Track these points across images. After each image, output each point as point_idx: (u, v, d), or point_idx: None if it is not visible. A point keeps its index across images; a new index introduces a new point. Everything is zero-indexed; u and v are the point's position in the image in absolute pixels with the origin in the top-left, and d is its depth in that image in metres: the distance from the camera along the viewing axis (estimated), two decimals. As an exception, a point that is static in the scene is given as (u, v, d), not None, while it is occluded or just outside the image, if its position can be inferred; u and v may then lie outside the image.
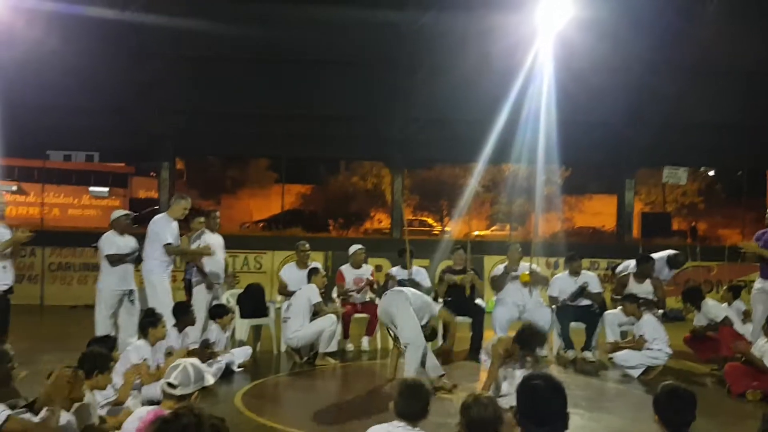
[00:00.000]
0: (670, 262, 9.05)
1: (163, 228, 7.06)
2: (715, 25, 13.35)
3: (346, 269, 8.74)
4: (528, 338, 5.37)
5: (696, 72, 14.60)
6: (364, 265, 8.80)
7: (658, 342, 7.19)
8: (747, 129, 15.81)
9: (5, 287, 6.49)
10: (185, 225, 7.90)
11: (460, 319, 8.37)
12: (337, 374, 7.35)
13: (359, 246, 8.89)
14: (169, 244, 7.05)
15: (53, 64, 13.40)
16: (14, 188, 29.13)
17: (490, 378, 5.49)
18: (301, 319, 7.43)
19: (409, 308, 6.26)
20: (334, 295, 8.65)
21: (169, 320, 6.15)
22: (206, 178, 32.73)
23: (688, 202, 31.48)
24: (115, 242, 7.21)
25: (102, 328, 6.94)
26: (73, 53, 13.37)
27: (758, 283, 7.33)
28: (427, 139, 16.21)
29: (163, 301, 6.79)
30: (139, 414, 3.27)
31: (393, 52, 14.23)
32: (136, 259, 7.34)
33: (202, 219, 8.06)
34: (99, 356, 4.08)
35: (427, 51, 14.17)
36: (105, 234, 7.38)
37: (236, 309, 7.90)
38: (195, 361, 3.53)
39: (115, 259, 7.15)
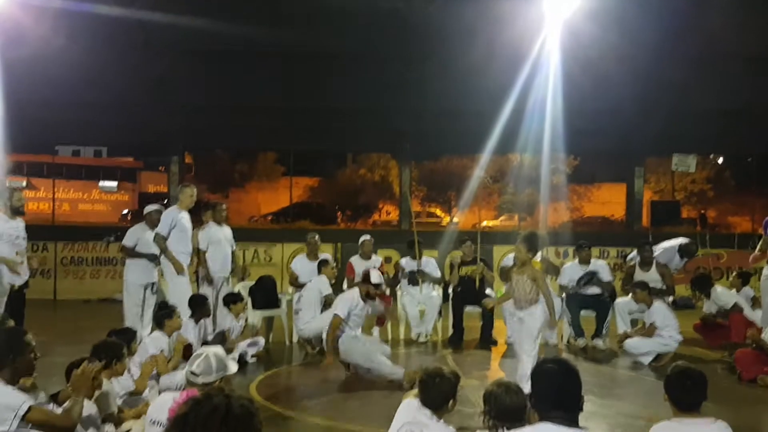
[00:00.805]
0: (682, 251, 9.02)
1: (166, 217, 7.13)
2: (723, 12, 13.24)
3: (355, 261, 8.79)
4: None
5: (704, 59, 14.48)
6: (373, 256, 8.85)
7: (668, 329, 7.22)
8: (756, 115, 15.70)
9: (21, 282, 6.57)
10: (197, 219, 7.95)
11: (469, 309, 8.44)
12: (348, 364, 7.39)
13: (368, 236, 8.95)
14: (158, 234, 7.06)
15: (61, 61, 13.44)
16: (24, 184, 29.33)
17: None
18: (312, 310, 7.50)
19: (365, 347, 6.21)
20: (345, 286, 8.70)
21: (186, 312, 6.24)
22: (215, 172, 32.85)
23: (698, 190, 31.34)
24: (137, 235, 7.41)
25: (131, 319, 7.08)
26: (80, 49, 13.41)
27: (767, 270, 7.33)
28: (434, 131, 16.20)
29: (180, 292, 6.84)
30: (173, 395, 3.33)
31: (399, 43, 14.18)
32: (153, 258, 7.44)
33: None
34: (112, 345, 4.15)
35: (434, 41, 14.12)
36: (135, 226, 7.62)
37: (248, 301, 7.96)
38: (218, 350, 3.59)
39: (126, 253, 7.27)
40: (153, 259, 7.41)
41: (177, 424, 1.57)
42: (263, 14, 13.42)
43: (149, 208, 7.72)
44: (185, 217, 7.23)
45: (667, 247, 8.91)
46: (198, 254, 7.72)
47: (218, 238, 7.87)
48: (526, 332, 5.44)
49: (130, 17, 13.28)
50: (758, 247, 7.52)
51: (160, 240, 7.07)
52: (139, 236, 7.43)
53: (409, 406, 3.28)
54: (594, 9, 12.37)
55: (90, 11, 12.73)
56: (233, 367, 3.61)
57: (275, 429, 4.89)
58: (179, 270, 7.05)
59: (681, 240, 9.15)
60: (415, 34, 14.02)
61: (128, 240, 7.42)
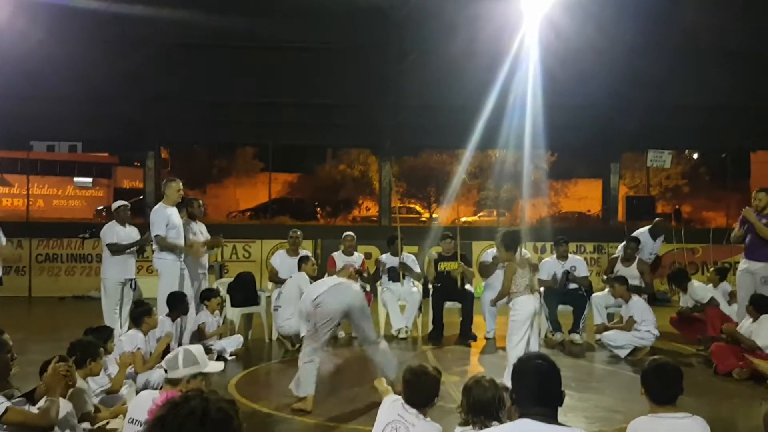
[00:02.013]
0: (652, 232, 9.58)
1: (158, 218, 6.95)
2: (699, 6, 13.39)
3: (337, 255, 8.78)
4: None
5: (681, 54, 14.64)
6: (355, 253, 8.83)
7: (646, 323, 7.31)
8: (732, 110, 15.92)
9: (-6, 279, 6.47)
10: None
11: (449, 304, 8.46)
12: (329, 360, 7.38)
13: (350, 232, 8.95)
14: (158, 236, 6.91)
15: (36, 54, 13.23)
16: (-1, 180, 28.89)
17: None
18: (291, 307, 7.43)
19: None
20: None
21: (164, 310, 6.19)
22: (192, 167, 32.50)
23: (673, 186, 31.76)
24: (116, 232, 7.32)
25: (109, 317, 7.00)
26: (56, 43, 13.20)
27: (743, 264, 7.44)
28: (414, 126, 16.20)
29: (169, 289, 6.74)
30: (152, 395, 3.29)
31: (379, 38, 14.17)
32: (138, 249, 7.42)
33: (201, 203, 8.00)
34: (88, 344, 4.10)
35: (414, 37, 14.13)
36: (106, 224, 7.50)
37: (227, 298, 7.90)
38: (192, 346, 3.55)
39: (115, 249, 7.20)
40: (130, 257, 7.37)
41: (154, 427, 1.54)
42: (242, 8, 13.30)
43: (117, 204, 7.67)
44: (174, 213, 7.09)
45: (639, 234, 9.29)
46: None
47: (197, 235, 7.78)
48: (511, 325, 5.59)
49: (107, 11, 13.10)
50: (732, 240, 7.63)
51: (163, 241, 6.89)
52: (116, 232, 7.36)
53: (392, 405, 3.26)
54: (571, 4, 12.46)
55: (66, 5, 12.55)
56: (210, 365, 3.55)
57: (254, 427, 4.86)
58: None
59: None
60: (395, 29, 14.03)
61: (111, 238, 7.32)
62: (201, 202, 8.11)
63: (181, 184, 7.24)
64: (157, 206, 7.16)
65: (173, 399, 1.57)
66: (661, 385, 3.16)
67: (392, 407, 3.25)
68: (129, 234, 7.41)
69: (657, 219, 9.91)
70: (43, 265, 12.60)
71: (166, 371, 3.36)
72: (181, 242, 7.10)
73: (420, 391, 3.26)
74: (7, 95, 13.78)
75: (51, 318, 9.98)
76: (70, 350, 3.99)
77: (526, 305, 5.50)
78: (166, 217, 6.94)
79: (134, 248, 7.39)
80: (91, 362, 3.99)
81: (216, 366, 3.62)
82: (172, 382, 3.34)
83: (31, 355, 5.88)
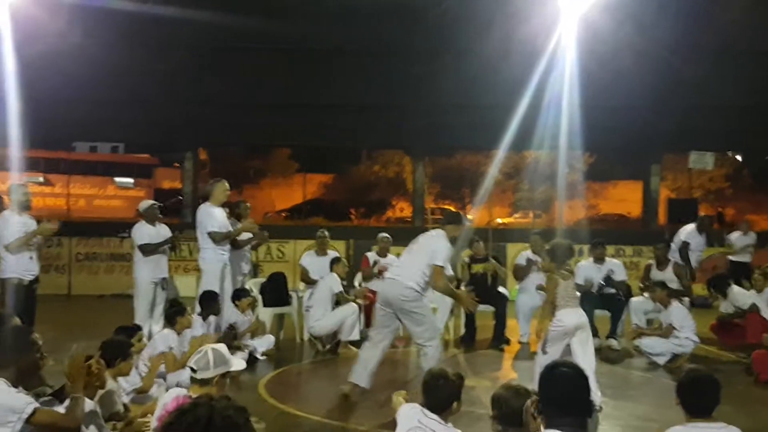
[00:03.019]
0: (699, 226, 9.22)
1: (206, 216, 7.01)
2: (739, 7, 13.04)
3: (371, 255, 8.77)
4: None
5: (721, 54, 14.30)
6: (389, 255, 8.78)
7: (685, 330, 7.10)
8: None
9: (31, 277, 6.59)
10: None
11: (482, 307, 8.34)
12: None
13: (386, 234, 8.93)
14: (211, 232, 6.94)
15: (77, 57, 13.54)
16: (40, 180, 29.59)
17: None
18: (323, 307, 7.47)
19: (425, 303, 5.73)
20: (357, 282, 8.67)
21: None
22: (229, 168, 32.89)
23: (715, 188, 30.97)
24: (146, 232, 7.32)
25: (141, 317, 7.05)
26: (96, 46, 13.51)
27: None
28: (448, 126, 16.11)
29: (210, 286, 6.78)
30: (164, 401, 3.30)
31: (414, 38, 14.13)
32: (171, 247, 7.47)
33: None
34: (119, 344, 4.13)
35: (449, 37, 14.05)
36: (136, 225, 7.50)
37: (259, 298, 7.94)
38: (219, 346, 3.54)
39: (148, 249, 7.24)
40: (162, 256, 7.40)
41: None
42: (279, 11, 13.41)
43: (144, 204, 7.64)
44: (220, 213, 7.14)
45: (686, 231, 9.05)
46: None
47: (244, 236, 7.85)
48: (548, 335, 5.35)
49: (145, 14, 13.34)
50: None
51: (217, 234, 6.91)
52: (146, 232, 7.34)
53: (412, 411, 3.22)
54: (610, 4, 12.23)
55: (105, 8, 12.81)
56: (237, 364, 3.54)
57: (282, 428, 4.86)
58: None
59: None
60: (430, 29, 13.96)
61: (142, 239, 7.30)
62: (248, 204, 8.19)
63: (227, 185, 7.29)
64: (202, 205, 7.23)
65: (181, 407, 1.55)
66: (696, 397, 3.06)
67: (411, 413, 3.20)
68: (159, 233, 7.40)
69: (702, 216, 9.58)
70: (83, 263, 12.86)
71: (193, 370, 3.35)
72: (226, 243, 7.14)
73: (438, 395, 3.21)
74: (49, 97, 14.14)
75: (89, 316, 10.16)
76: (101, 349, 4.03)
77: (569, 318, 5.21)
78: (213, 215, 7.01)
79: (166, 246, 7.43)
80: (121, 362, 4.02)
81: (239, 363, 3.60)
82: (202, 382, 3.33)
83: (67, 354, 6.00)
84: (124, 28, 13.65)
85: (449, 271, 8.72)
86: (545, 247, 5.80)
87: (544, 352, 5.15)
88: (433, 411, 3.17)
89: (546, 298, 5.56)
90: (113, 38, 13.69)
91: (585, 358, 5.09)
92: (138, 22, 13.52)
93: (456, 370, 3.42)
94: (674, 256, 8.78)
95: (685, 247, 8.96)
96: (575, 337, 5.20)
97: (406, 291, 5.45)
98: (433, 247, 5.55)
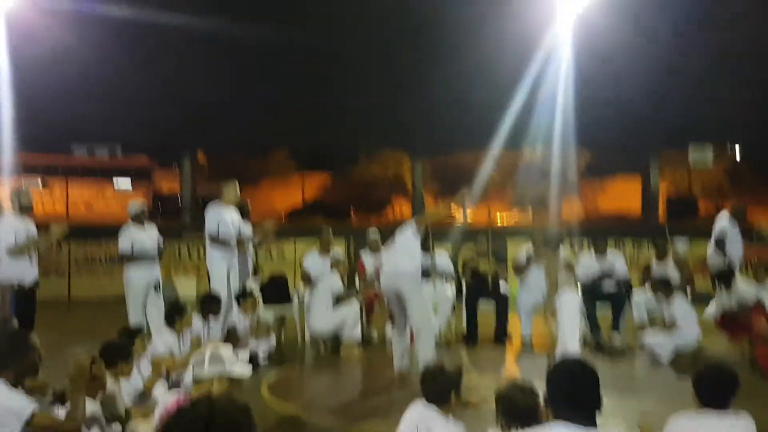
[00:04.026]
0: (734, 214, 8.73)
1: (212, 215, 7.05)
2: (737, 3, 13.04)
3: (365, 257, 8.75)
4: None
5: (718, 50, 14.29)
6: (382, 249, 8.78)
7: (688, 324, 7.07)
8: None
9: (32, 281, 6.55)
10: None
11: (483, 304, 8.34)
12: (362, 362, 7.34)
13: (375, 231, 8.99)
14: (208, 234, 6.99)
15: (74, 60, 13.53)
16: (39, 184, 29.56)
17: None
18: (324, 308, 7.44)
19: (422, 290, 6.31)
20: (357, 283, 8.66)
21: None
22: (228, 170, 32.92)
23: (714, 184, 31.00)
24: (132, 236, 7.20)
25: (134, 318, 7.01)
26: (93, 49, 13.48)
27: None
28: (446, 125, 16.11)
29: (217, 282, 6.80)
30: (165, 401, 3.27)
31: (410, 38, 14.12)
32: (153, 258, 7.33)
33: None
34: (119, 345, 4.09)
35: (446, 36, 14.04)
36: (123, 227, 7.36)
37: (260, 298, 7.91)
38: (221, 346, 3.51)
39: (125, 258, 7.17)
40: (153, 259, 7.29)
41: None
42: (275, 13, 13.40)
43: (132, 206, 7.49)
44: (230, 213, 7.15)
45: (720, 227, 8.56)
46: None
47: (247, 235, 7.83)
48: (564, 318, 6.11)
49: (143, 16, 13.33)
50: None
51: (213, 238, 6.99)
52: (133, 237, 7.20)
53: (415, 407, 3.23)
54: (607, 0, 12.23)
55: (104, 13, 12.79)
56: (238, 366, 3.48)
57: (284, 428, 4.83)
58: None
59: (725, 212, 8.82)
60: (426, 28, 13.95)
61: (123, 245, 7.17)
62: (248, 202, 8.20)
63: (237, 184, 7.31)
64: (211, 203, 7.26)
65: (181, 406, 1.52)
66: (716, 389, 3.01)
67: (414, 409, 3.24)
68: (150, 235, 7.32)
69: (737, 206, 9.16)
70: (83, 267, 12.81)
71: (192, 368, 3.34)
72: (234, 242, 7.16)
73: (436, 387, 3.23)
74: (46, 101, 14.12)
75: (89, 320, 10.12)
76: (102, 351, 4.00)
77: (574, 299, 6.09)
78: (218, 215, 7.03)
79: (156, 251, 7.37)
80: (122, 363, 3.99)
81: (243, 369, 3.54)
82: (198, 381, 3.32)
83: (68, 358, 5.97)
84: (122, 31, 13.63)
85: (449, 268, 8.73)
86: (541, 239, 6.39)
87: None
88: (432, 403, 3.19)
89: (548, 282, 6.32)
90: (111, 41, 13.66)
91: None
92: (136, 26, 13.52)
93: (455, 364, 3.43)
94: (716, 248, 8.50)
95: (722, 238, 8.64)
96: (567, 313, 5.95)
97: (402, 278, 6.06)
98: (404, 235, 6.29)
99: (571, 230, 13.50)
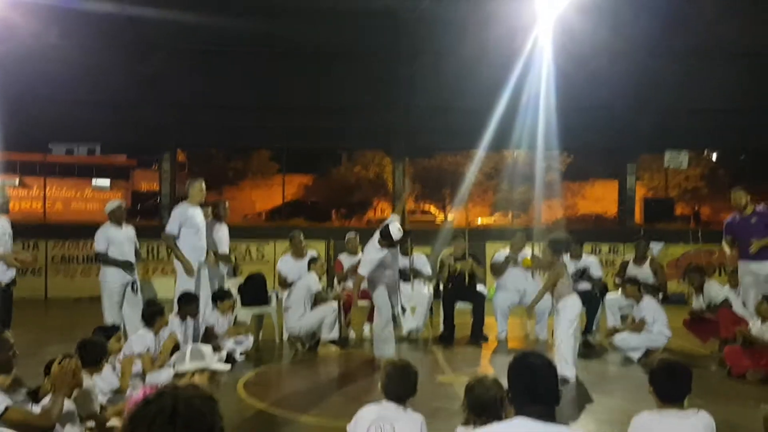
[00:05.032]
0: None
1: (175, 215, 7.01)
2: (715, 8, 13.25)
3: (343, 257, 8.83)
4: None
5: (698, 55, 14.50)
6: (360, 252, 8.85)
7: (658, 324, 7.22)
8: (750, 112, 15.72)
9: (8, 279, 6.52)
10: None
11: (460, 305, 8.44)
12: (339, 361, 7.39)
13: (352, 233, 9.06)
14: (165, 233, 6.96)
15: (54, 58, 13.39)
16: (16, 182, 29.22)
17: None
18: (302, 307, 7.48)
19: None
20: (335, 283, 8.72)
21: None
22: (208, 169, 32.73)
23: (691, 187, 31.41)
24: (109, 235, 7.18)
25: (110, 319, 6.98)
26: (73, 46, 13.36)
27: (741, 266, 7.43)
28: (427, 127, 16.17)
29: (185, 288, 6.76)
30: (135, 394, 3.32)
31: (392, 40, 14.17)
32: (128, 265, 7.29)
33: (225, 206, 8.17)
34: (96, 343, 4.08)
35: (427, 38, 14.12)
36: (101, 227, 7.33)
37: (238, 298, 7.93)
38: (202, 345, 3.57)
39: (102, 259, 7.15)
40: (128, 266, 7.21)
41: (127, 426, 1.53)
42: (256, 12, 13.37)
43: (111, 205, 7.46)
44: (197, 213, 7.11)
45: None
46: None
47: (219, 236, 7.85)
48: (562, 320, 6.17)
49: (123, 14, 13.24)
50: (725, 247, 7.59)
51: (169, 239, 6.94)
52: (109, 236, 7.18)
53: (370, 407, 3.27)
54: (586, 5, 12.38)
55: (82, 9, 12.68)
56: (217, 365, 3.56)
57: (260, 427, 4.87)
58: (189, 271, 6.91)
59: None
60: (408, 31, 14.01)
61: (99, 244, 7.14)
62: (227, 204, 8.20)
63: (204, 183, 7.27)
64: (179, 204, 7.21)
65: (147, 396, 1.56)
66: (670, 384, 3.13)
67: (370, 408, 3.26)
68: (126, 234, 7.31)
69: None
70: (59, 266, 12.74)
71: (172, 365, 3.39)
72: (202, 242, 7.15)
73: (400, 384, 3.27)
74: (24, 98, 13.97)
75: (66, 318, 10.07)
76: (78, 349, 4.01)
77: (576, 304, 6.20)
78: (183, 216, 6.97)
79: (133, 251, 7.36)
80: (98, 361, 4.01)
81: (223, 365, 3.63)
82: (178, 376, 3.38)
83: (46, 356, 5.96)
84: (101, 28, 13.53)
85: (427, 270, 8.82)
86: (546, 241, 6.64)
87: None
88: (393, 400, 3.25)
89: (545, 284, 6.54)
90: (91, 38, 13.55)
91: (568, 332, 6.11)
92: (116, 23, 13.42)
93: (407, 360, 3.48)
94: None
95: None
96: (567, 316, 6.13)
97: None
98: (371, 241, 6.86)
99: (549, 232, 13.65)
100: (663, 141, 16.00)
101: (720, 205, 30.36)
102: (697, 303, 7.84)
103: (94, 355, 3.95)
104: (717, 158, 32.32)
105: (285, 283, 8.27)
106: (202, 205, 7.33)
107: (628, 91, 14.97)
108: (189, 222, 7.00)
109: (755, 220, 7.42)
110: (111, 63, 14.06)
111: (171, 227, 6.96)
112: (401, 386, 3.28)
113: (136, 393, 4.48)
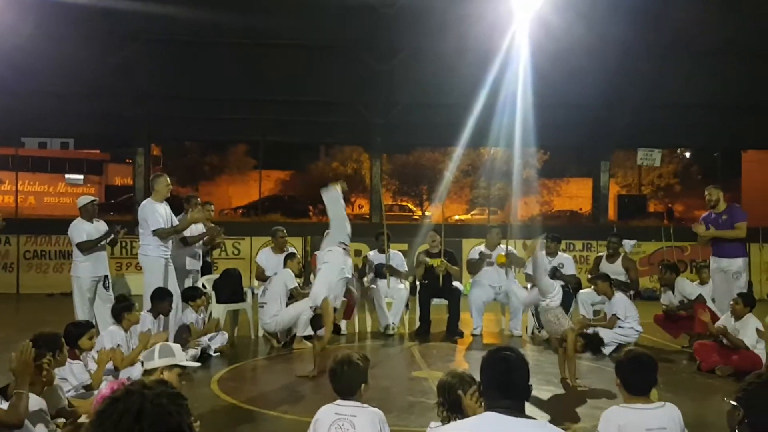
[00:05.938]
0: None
1: (149, 213, 6.90)
2: (690, 6, 13.42)
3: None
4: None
5: (672, 52, 14.68)
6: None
7: (629, 320, 7.33)
8: (723, 109, 15.97)
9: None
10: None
11: (436, 301, 8.48)
12: (314, 357, 7.36)
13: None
14: (157, 230, 6.85)
15: (26, 49, 13.17)
16: (-12, 176, 28.69)
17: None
18: (277, 303, 7.44)
19: (335, 271, 6.70)
20: (312, 279, 8.67)
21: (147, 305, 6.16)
22: (184, 164, 32.44)
23: (665, 184, 31.84)
24: (84, 229, 7.16)
25: (81, 315, 6.89)
26: (46, 38, 13.16)
27: (713, 263, 7.58)
28: (405, 123, 16.20)
29: (153, 284, 6.67)
30: (102, 389, 3.28)
31: (371, 36, 14.16)
32: (111, 241, 7.33)
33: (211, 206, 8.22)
34: (50, 336, 3.96)
35: (405, 35, 14.13)
36: (73, 222, 7.30)
37: (212, 294, 7.88)
38: (171, 343, 3.55)
39: (86, 247, 7.10)
40: (107, 238, 7.30)
41: (94, 423, 1.51)
42: (233, 4, 13.25)
43: (82, 200, 7.44)
44: (163, 208, 7.02)
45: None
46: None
47: (192, 230, 7.78)
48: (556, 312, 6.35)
49: (96, 5, 13.03)
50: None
51: (164, 232, 6.85)
52: (85, 230, 7.18)
53: (324, 409, 3.23)
54: (562, 3, 12.48)
55: (56, 1, 12.47)
56: (186, 360, 3.55)
57: (235, 423, 4.85)
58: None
59: None
60: (387, 27, 14.00)
61: (80, 236, 7.13)
62: (198, 198, 8.14)
63: (168, 179, 7.20)
64: (145, 202, 7.12)
65: (114, 393, 1.54)
66: (636, 375, 3.17)
67: (327, 409, 3.22)
68: (97, 228, 7.27)
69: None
70: (32, 261, 12.55)
71: (142, 362, 3.37)
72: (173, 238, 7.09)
73: (345, 379, 3.24)
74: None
75: (39, 314, 9.93)
76: (33, 342, 3.89)
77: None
78: (155, 211, 6.90)
79: (104, 242, 7.29)
80: (58, 353, 3.90)
81: (193, 362, 3.62)
82: (148, 373, 3.36)
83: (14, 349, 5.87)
84: (75, 20, 13.31)
85: (404, 267, 8.84)
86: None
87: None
88: (343, 397, 3.22)
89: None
90: (63, 30, 13.33)
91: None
92: (90, 15, 13.21)
93: (361, 353, 3.45)
94: None
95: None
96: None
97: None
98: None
99: (525, 229, 13.77)
100: (637, 138, 16.19)
101: (693, 202, 30.83)
102: (666, 298, 7.97)
103: (50, 347, 3.81)
104: (690, 155, 32.78)
105: (263, 277, 8.23)
106: (170, 200, 7.28)
107: (603, 88, 15.12)
108: (153, 217, 6.92)
109: (725, 218, 7.58)
110: (84, 55, 13.84)
111: (155, 223, 6.86)
112: (347, 379, 3.24)
113: (104, 387, 4.44)
